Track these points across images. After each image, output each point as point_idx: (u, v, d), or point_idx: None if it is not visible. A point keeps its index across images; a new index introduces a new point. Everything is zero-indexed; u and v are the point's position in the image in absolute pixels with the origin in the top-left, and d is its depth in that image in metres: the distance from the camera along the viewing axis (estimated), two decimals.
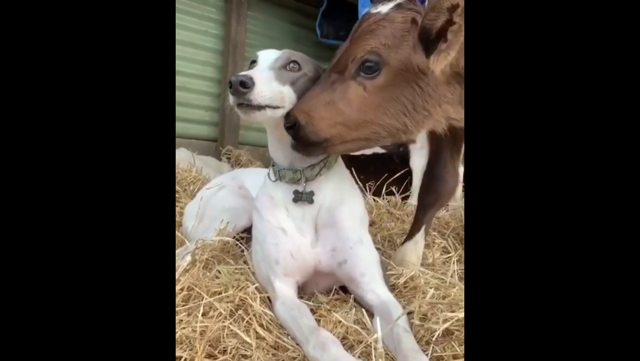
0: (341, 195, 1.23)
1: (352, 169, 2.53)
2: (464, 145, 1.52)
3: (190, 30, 3.42)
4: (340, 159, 1.29)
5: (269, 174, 1.27)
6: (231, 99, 1.07)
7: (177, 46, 3.22)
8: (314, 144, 1.09)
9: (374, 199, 2.26)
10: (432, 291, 1.18)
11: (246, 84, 1.02)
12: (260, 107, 1.05)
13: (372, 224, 2.00)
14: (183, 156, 2.74)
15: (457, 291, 1.20)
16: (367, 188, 2.40)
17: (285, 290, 1.15)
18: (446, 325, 1.01)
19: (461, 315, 1.05)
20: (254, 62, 1.19)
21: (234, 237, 1.53)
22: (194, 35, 3.44)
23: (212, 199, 1.73)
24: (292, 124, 1.08)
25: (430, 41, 1.06)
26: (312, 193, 1.19)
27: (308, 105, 1.07)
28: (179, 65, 3.29)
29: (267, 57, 1.16)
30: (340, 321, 1.09)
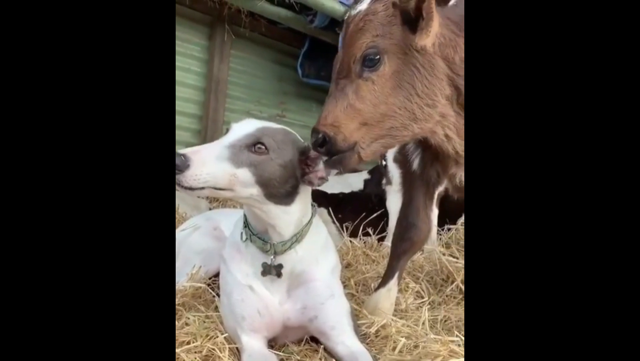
0: (315, 257, 1.21)
1: (330, 208, 2.58)
2: (436, 192, 1.56)
3: None
4: (317, 217, 1.26)
5: (241, 233, 1.21)
6: None
7: None
8: (347, 153, 1.11)
9: (351, 241, 2.27)
10: (402, 340, 1.19)
11: (178, 166, 0.96)
12: (191, 188, 0.99)
13: (347, 266, 2.00)
14: None
15: (428, 341, 1.20)
16: (344, 229, 2.41)
17: (252, 343, 1.14)
18: None
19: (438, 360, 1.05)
20: (227, 130, 1.15)
21: (206, 282, 1.51)
22: (178, 73, 3.46)
23: (185, 240, 1.71)
24: (322, 141, 1.09)
25: (412, 21, 1.11)
26: (280, 266, 1.15)
27: (329, 117, 1.09)
28: None
29: (238, 131, 1.09)
30: None
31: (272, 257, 1.15)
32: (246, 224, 1.19)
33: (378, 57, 1.10)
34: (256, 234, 1.16)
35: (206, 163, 1.00)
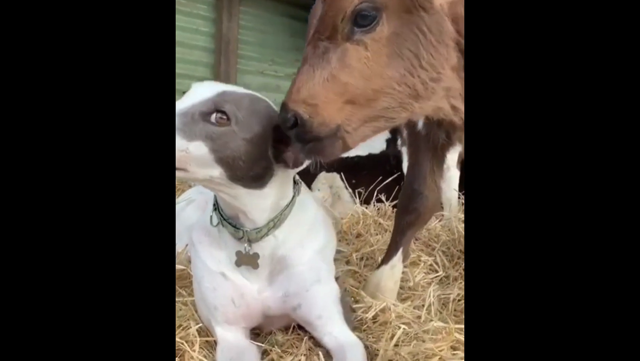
0: (299, 240, 1.04)
1: (342, 173, 2.40)
2: (447, 154, 1.35)
3: (179, 29, 3.29)
4: (304, 192, 1.08)
5: (211, 216, 1.03)
6: None
7: None
8: (327, 140, 0.86)
9: (365, 207, 2.11)
10: (401, 329, 1.03)
11: None
12: None
13: (357, 236, 1.85)
14: None
15: (433, 327, 1.04)
16: (357, 195, 2.24)
17: (228, 335, 1.01)
18: None
19: None
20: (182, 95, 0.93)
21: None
22: (184, 34, 3.31)
23: (179, 215, 1.61)
24: (293, 123, 0.85)
25: None
26: (256, 256, 0.99)
27: (303, 91, 0.84)
28: None
29: (194, 96, 0.89)
30: None
31: (246, 245, 0.98)
32: (216, 206, 1.02)
33: (374, 14, 0.84)
34: (227, 219, 0.99)
35: None
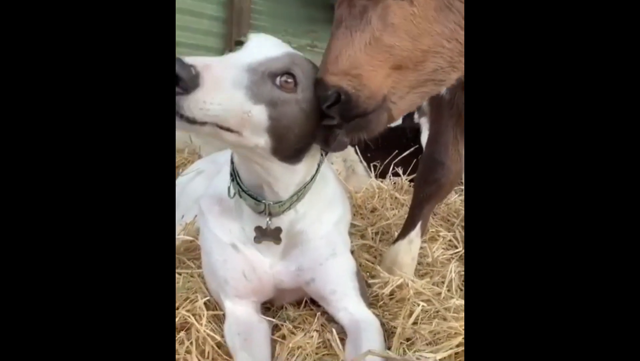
0: (318, 214, 0.97)
1: (356, 146, 2.31)
2: None
3: None
4: (325, 165, 1.00)
5: (229, 187, 0.95)
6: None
7: (176, 15, 3.00)
8: (372, 114, 0.77)
9: (381, 181, 2.03)
10: (420, 306, 0.97)
11: (181, 82, 0.64)
12: (193, 121, 0.68)
13: (372, 211, 1.78)
14: (178, 135, 2.57)
15: (455, 304, 0.98)
16: (372, 168, 2.16)
17: (237, 310, 0.96)
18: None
19: (455, 341, 0.83)
20: (239, 45, 0.81)
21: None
22: (194, 3, 3.21)
23: (187, 186, 1.56)
24: (335, 99, 0.75)
25: None
26: (278, 230, 0.93)
27: (344, 60, 0.74)
28: (179, 35, 3.08)
29: (258, 48, 0.77)
30: (299, 347, 0.90)
31: (267, 219, 0.91)
32: (234, 176, 0.94)
33: None
34: (247, 190, 0.91)
35: (221, 87, 0.69)
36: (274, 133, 0.77)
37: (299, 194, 0.92)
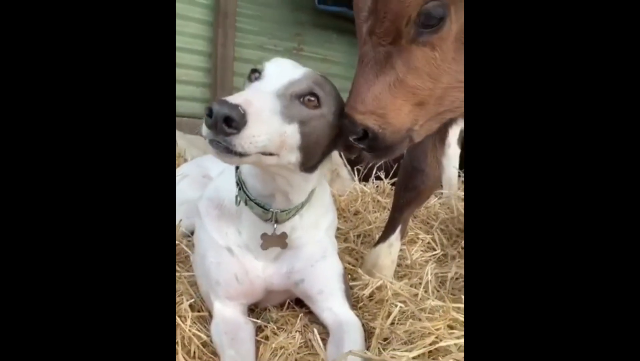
0: (316, 220, 1.03)
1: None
2: (450, 130, 1.31)
3: (177, 0, 3.19)
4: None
5: (236, 197, 0.98)
6: (204, 130, 0.72)
7: None
8: (397, 144, 0.84)
9: (363, 184, 2.08)
10: (397, 308, 1.02)
11: (233, 123, 0.68)
12: (243, 155, 0.72)
13: (355, 213, 1.83)
14: None
15: (430, 305, 1.03)
16: (356, 172, 2.21)
17: (225, 311, 0.99)
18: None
19: (428, 340, 0.88)
20: (256, 73, 0.86)
21: (190, 235, 1.38)
22: (181, 6, 3.21)
23: None
24: (362, 135, 0.82)
25: None
26: (284, 236, 0.97)
27: (369, 101, 0.79)
28: None
29: (279, 74, 0.82)
30: (282, 347, 0.93)
31: (274, 225, 0.95)
32: (240, 185, 0.96)
33: (442, 11, 0.77)
34: (254, 199, 0.94)
35: (263, 119, 0.73)
36: (304, 148, 0.82)
37: (304, 202, 0.97)
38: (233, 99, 0.70)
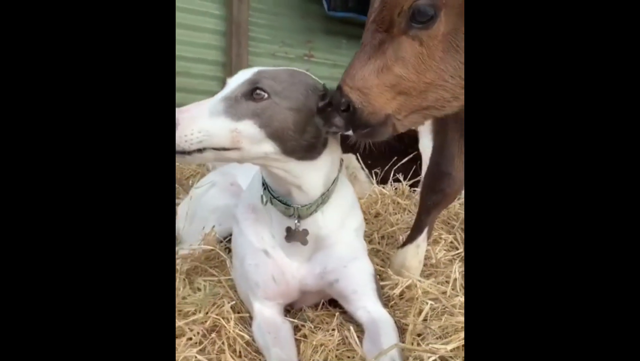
0: (341, 219, 1.08)
1: (358, 154, 2.41)
2: None
3: (189, 12, 3.27)
4: (342, 175, 1.12)
5: (261, 196, 1.07)
6: None
7: (176, 30, 3.08)
8: (377, 126, 0.90)
9: (382, 187, 2.12)
10: (428, 305, 1.06)
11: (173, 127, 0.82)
12: (183, 152, 0.86)
13: (376, 216, 1.87)
14: None
15: (460, 301, 1.07)
16: (373, 175, 2.25)
17: (265, 311, 1.05)
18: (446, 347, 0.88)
19: (462, 334, 0.92)
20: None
21: (222, 240, 1.44)
22: (194, 17, 3.29)
23: (202, 198, 1.64)
24: (346, 108, 0.89)
25: None
26: (305, 232, 1.03)
27: (358, 78, 0.88)
28: (180, 50, 3.16)
29: (233, 82, 0.95)
30: (322, 344, 0.98)
31: (296, 221, 1.02)
32: (265, 185, 1.06)
33: (432, 11, 0.85)
34: (277, 197, 1.03)
35: (196, 120, 0.87)
36: (274, 136, 0.92)
37: (324, 197, 1.03)
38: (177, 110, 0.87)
